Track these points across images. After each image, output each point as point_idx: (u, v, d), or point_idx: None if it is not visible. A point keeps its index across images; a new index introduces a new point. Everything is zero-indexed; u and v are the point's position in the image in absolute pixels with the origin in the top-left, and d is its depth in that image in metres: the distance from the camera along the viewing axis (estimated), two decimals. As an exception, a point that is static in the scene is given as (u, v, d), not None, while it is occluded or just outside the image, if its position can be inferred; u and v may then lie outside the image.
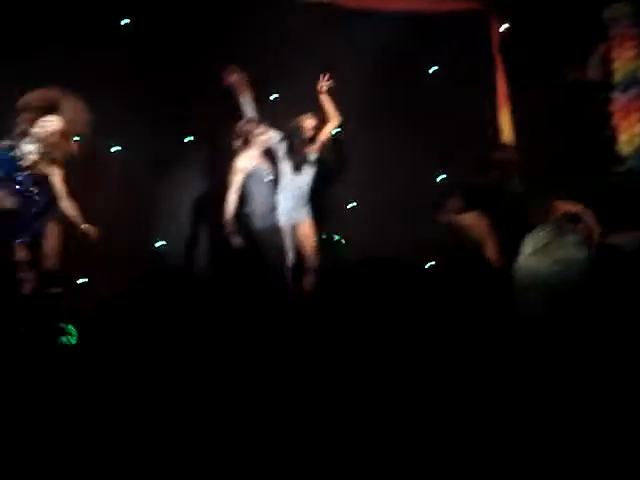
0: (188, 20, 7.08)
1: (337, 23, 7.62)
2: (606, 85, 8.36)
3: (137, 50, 6.85)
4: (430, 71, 8.13)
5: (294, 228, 6.74)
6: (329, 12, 7.55)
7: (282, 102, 7.35)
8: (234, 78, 6.70)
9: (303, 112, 6.91)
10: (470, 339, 2.61)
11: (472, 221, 6.98)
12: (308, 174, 6.81)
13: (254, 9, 7.17)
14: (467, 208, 7.00)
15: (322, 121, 6.94)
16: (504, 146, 7.57)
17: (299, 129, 6.76)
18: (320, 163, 6.98)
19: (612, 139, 8.28)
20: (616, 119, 8.34)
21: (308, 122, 6.80)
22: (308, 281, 6.49)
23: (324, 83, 6.89)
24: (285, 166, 6.76)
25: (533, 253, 2.12)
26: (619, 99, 8.37)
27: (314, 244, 6.75)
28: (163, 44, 6.98)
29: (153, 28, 6.96)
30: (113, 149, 6.83)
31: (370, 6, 7.66)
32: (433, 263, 6.74)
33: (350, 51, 7.46)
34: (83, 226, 5.82)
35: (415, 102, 7.95)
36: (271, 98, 7.45)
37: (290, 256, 6.67)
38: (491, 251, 6.97)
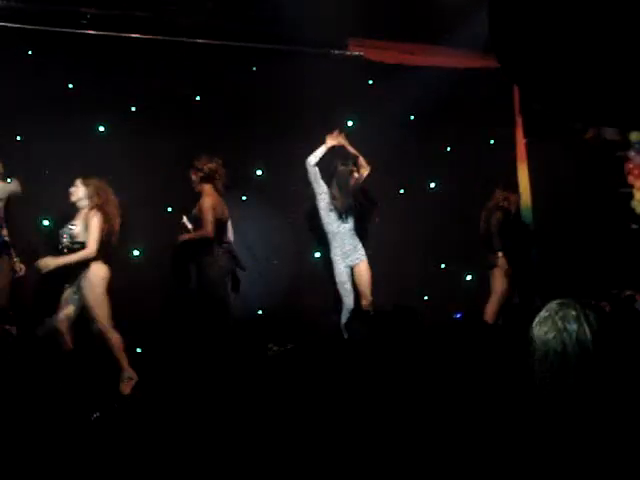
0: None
1: (366, 75, 8.02)
2: (622, 144, 8.61)
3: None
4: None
5: (352, 269, 7.00)
6: (360, 65, 7.90)
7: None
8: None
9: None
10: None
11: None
12: (352, 217, 7.04)
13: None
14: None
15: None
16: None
17: (348, 175, 7.02)
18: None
19: (628, 197, 8.52)
20: (632, 178, 8.59)
21: (351, 168, 7.04)
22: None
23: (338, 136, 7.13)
24: (333, 214, 6.98)
25: (539, 322, 2.36)
26: (635, 158, 8.62)
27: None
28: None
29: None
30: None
31: (400, 62, 8.00)
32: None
33: (378, 103, 7.76)
34: (15, 259, 6.16)
35: (436, 152, 8.31)
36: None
37: (351, 298, 6.95)
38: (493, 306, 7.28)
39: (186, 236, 6.57)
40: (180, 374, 3.81)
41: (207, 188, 6.63)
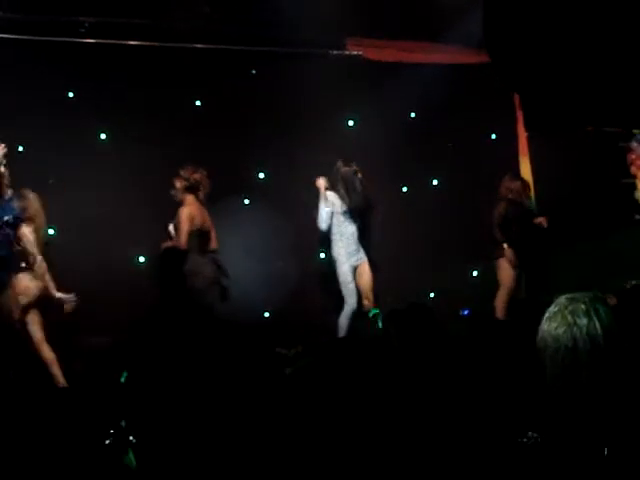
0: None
1: (366, 74, 8.00)
2: (624, 135, 8.59)
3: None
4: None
5: (355, 269, 7.01)
6: (359, 64, 7.93)
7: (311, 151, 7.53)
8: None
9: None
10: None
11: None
12: (358, 218, 7.05)
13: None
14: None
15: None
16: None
17: (353, 174, 6.98)
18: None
19: (631, 188, 8.50)
20: (634, 168, 8.56)
21: (355, 168, 7.00)
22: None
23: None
24: (345, 215, 6.97)
25: (548, 318, 2.35)
26: (637, 149, 8.59)
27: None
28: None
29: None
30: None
31: (399, 60, 8.01)
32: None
33: (378, 102, 7.73)
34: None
35: (438, 149, 8.30)
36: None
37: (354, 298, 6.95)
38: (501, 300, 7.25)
39: (167, 244, 6.61)
40: (176, 383, 3.80)
41: (189, 198, 6.67)
